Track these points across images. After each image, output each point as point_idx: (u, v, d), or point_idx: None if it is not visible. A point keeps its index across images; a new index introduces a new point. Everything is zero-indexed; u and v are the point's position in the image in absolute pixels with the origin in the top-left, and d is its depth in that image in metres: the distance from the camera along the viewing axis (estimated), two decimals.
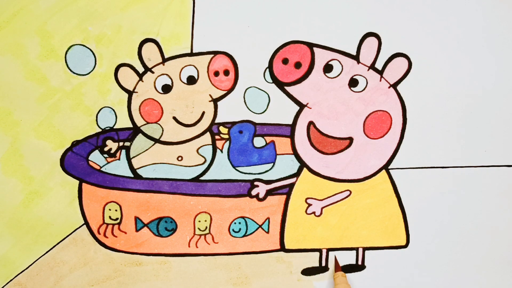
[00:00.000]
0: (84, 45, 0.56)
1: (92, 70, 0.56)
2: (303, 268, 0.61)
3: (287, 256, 0.61)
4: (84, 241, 0.59)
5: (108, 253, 0.60)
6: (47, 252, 0.59)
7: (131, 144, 0.58)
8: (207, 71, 0.57)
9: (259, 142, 0.59)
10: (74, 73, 0.56)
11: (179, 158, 0.58)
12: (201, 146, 0.59)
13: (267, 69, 0.57)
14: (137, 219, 0.59)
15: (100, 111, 0.57)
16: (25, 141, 0.57)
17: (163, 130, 0.58)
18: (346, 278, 0.59)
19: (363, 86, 0.58)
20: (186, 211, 0.59)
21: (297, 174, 0.59)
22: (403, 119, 0.59)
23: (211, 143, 0.59)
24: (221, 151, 0.59)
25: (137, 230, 0.59)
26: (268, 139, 0.59)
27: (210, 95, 0.58)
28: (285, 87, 0.57)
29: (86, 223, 0.59)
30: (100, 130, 0.57)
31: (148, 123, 0.58)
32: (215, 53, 0.57)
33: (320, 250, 0.61)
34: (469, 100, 0.59)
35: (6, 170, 0.57)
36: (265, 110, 0.58)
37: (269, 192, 0.59)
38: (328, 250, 0.61)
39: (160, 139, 0.58)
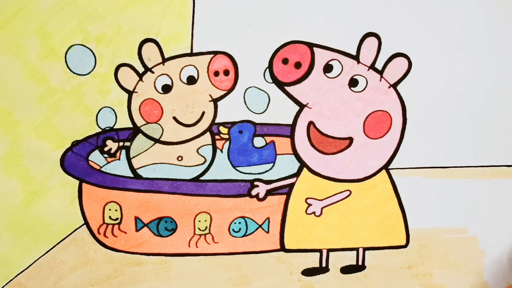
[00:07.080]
0: (84, 45, 0.56)
1: (92, 70, 0.56)
2: (303, 268, 0.61)
3: (287, 256, 0.61)
4: (84, 241, 0.59)
5: (108, 253, 0.60)
6: (47, 252, 0.59)
7: (131, 144, 0.58)
8: (207, 71, 0.57)
9: (259, 142, 0.59)
10: (74, 73, 0.56)
11: (179, 158, 0.58)
12: (201, 146, 0.59)
13: (267, 69, 0.57)
14: (137, 219, 0.59)
15: (100, 111, 0.57)
16: (25, 141, 0.57)
17: (163, 130, 0.58)
18: None
19: (363, 86, 0.58)
20: (186, 211, 0.59)
21: (297, 174, 0.59)
22: (403, 119, 0.59)
23: (211, 143, 0.58)
24: (221, 151, 0.59)
25: (137, 230, 0.59)
26: (268, 139, 0.59)
27: (210, 95, 0.58)
28: (285, 87, 0.57)
29: (86, 223, 0.59)
30: (100, 130, 0.57)
31: (148, 123, 0.58)
32: (215, 53, 0.57)
33: (320, 251, 0.61)
34: (469, 100, 0.59)
35: (6, 170, 0.57)
36: (265, 110, 0.58)
37: (269, 192, 0.59)
38: (329, 250, 0.61)
39: (160, 139, 0.58)
